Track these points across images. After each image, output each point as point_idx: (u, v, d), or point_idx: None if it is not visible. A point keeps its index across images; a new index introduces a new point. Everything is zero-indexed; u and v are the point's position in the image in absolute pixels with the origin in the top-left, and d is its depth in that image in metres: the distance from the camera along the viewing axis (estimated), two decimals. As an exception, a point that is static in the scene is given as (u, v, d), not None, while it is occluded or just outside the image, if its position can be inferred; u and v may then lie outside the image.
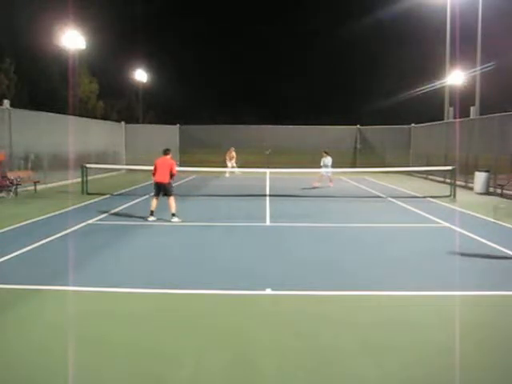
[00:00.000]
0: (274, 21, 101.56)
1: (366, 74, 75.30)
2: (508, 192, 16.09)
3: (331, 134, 29.75)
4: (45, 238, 8.70)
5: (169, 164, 10.64)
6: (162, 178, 10.56)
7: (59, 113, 21.69)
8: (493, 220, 9.11)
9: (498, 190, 16.64)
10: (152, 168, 10.89)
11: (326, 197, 16.02)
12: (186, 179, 21.68)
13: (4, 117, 16.29)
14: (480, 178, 17.12)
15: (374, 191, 17.85)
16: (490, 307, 5.58)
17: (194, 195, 16.28)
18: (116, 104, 48.10)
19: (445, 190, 17.08)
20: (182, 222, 10.53)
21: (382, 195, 16.48)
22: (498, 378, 3.95)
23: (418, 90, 42.71)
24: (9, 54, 33.96)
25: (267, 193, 16.88)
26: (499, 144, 17.47)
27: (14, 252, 7.64)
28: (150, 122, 41.35)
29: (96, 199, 14.56)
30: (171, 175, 10.63)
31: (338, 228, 10.48)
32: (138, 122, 39.12)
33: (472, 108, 23.56)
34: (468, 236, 9.32)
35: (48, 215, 11.40)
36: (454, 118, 24.90)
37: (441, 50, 27.87)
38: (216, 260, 7.49)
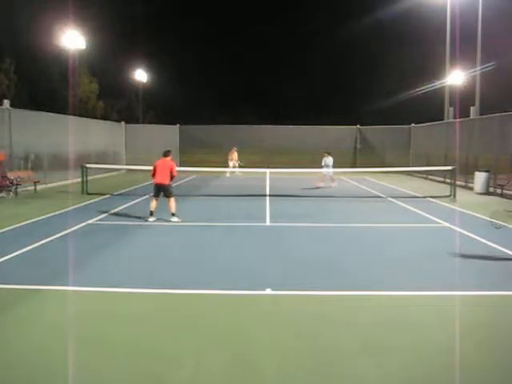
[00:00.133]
0: (274, 21, 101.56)
1: (366, 73, 75.33)
2: (508, 192, 16.09)
3: (331, 134, 29.75)
4: (45, 238, 8.70)
5: (169, 165, 10.62)
6: (162, 179, 10.54)
7: (59, 113, 21.69)
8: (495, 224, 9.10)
9: (498, 190, 16.64)
10: (151, 168, 10.87)
11: (325, 197, 16.02)
12: (186, 179, 21.67)
13: (4, 117, 16.29)
14: (480, 177, 17.12)
15: (374, 191, 17.85)
16: (490, 307, 5.58)
17: (194, 195, 16.27)
18: (116, 104, 48.09)
19: (445, 189, 17.08)
20: (182, 221, 10.53)
21: (381, 195, 16.48)
22: (498, 378, 3.95)
23: (417, 90, 42.72)
24: (9, 53, 33.96)
25: (267, 193, 16.88)
26: (499, 144, 17.47)
27: (14, 252, 7.64)
28: (150, 122, 41.35)
29: (96, 199, 14.56)
30: (171, 177, 10.62)
31: (338, 228, 10.48)
32: (138, 122, 39.12)
33: (472, 108, 23.56)
34: (468, 236, 9.32)
35: (48, 215, 11.40)
36: (454, 118, 24.90)
37: (441, 49, 27.87)
38: (216, 260, 7.49)
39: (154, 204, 10.66)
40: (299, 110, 65.39)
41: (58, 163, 19.87)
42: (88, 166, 16.72)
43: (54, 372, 3.93)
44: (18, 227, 9.93)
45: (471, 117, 22.48)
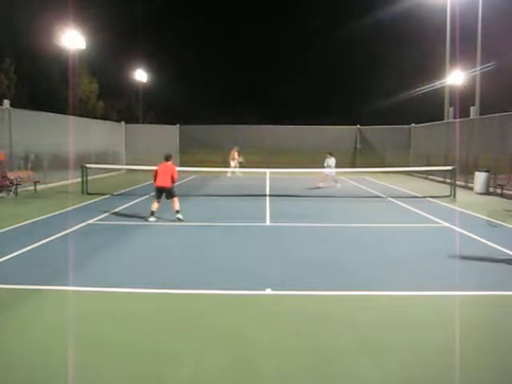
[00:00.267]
0: (274, 21, 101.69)
1: (366, 73, 75.44)
2: (508, 192, 16.09)
3: (331, 134, 29.75)
4: (45, 238, 8.70)
5: (170, 169, 10.67)
6: (164, 182, 10.58)
7: (59, 113, 21.69)
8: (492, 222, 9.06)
9: (498, 190, 16.64)
10: (151, 168, 10.89)
11: (325, 197, 16.01)
12: (186, 179, 21.65)
13: (4, 117, 16.29)
14: (480, 177, 17.12)
15: (374, 191, 17.85)
16: (490, 307, 5.58)
17: (194, 195, 16.27)
18: (116, 104, 48.11)
19: (445, 189, 17.08)
20: (181, 222, 10.53)
21: (381, 195, 16.48)
22: (498, 378, 3.95)
23: (418, 90, 42.75)
24: (9, 53, 33.97)
25: (267, 193, 16.88)
26: (499, 144, 17.47)
27: (14, 252, 7.64)
28: (150, 122, 41.36)
29: (96, 199, 14.56)
30: (172, 180, 10.67)
31: (338, 228, 10.48)
32: (138, 122, 39.13)
33: (472, 108, 23.57)
34: (468, 236, 9.32)
35: (48, 215, 11.40)
36: (454, 118, 24.90)
37: (441, 49, 27.88)
38: (216, 260, 7.49)
39: (155, 205, 10.69)
40: (299, 109, 65.52)
41: (58, 163, 19.87)
42: (88, 166, 16.72)
43: (54, 372, 3.93)
44: (17, 227, 9.93)
45: (471, 117, 22.48)
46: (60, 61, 33.43)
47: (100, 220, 10.89)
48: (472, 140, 19.78)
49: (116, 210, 12.39)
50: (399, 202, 14.47)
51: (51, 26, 30.78)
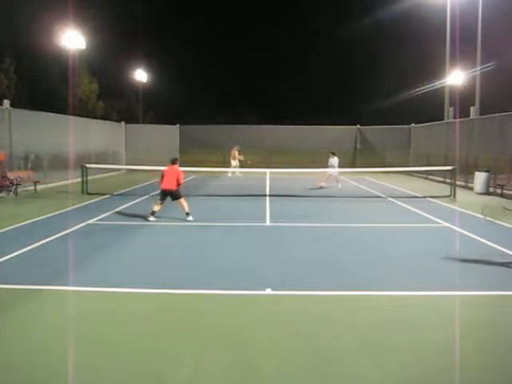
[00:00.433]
0: (274, 21, 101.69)
1: (366, 73, 75.44)
2: (508, 192, 16.09)
3: (331, 134, 29.75)
4: (45, 238, 8.70)
5: (176, 172, 10.72)
6: (169, 185, 10.61)
7: (59, 113, 21.68)
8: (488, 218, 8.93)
9: (498, 190, 16.64)
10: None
11: (325, 197, 16.02)
12: (186, 179, 21.56)
13: (4, 117, 16.29)
14: (480, 178, 17.12)
15: (374, 191, 17.85)
16: (490, 307, 5.58)
17: (194, 195, 16.26)
18: (116, 104, 48.09)
19: (445, 189, 17.07)
20: (186, 222, 10.54)
21: (382, 195, 16.48)
22: (498, 378, 3.95)
23: (418, 90, 42.75)
24: (9, 53, 33.96)
25: (267, 193, 16.88)
26: (499, 144, 17.47)
27: (14, 252, 7.64)
28: (150, 122, 41.35)
29: (96, 199, 14.56)
30: (178, 184, 10.69)
31: (338, 228, 10.48)
32: (138, 122, 39.11)
33: (472, 108, 23.57)
34: (468, 236, 9.32)
35: (48, 215, 11.40)
36: (454, 118, 24.90)
37: (441, 49, 27.88)
38: (216, 260, 7.49)
39: (157, 207, 10.70)
40: (299, 109, 65.53)
41: (58, 163, 19.86)
42: (88, 166, 16.71)
43: (54, 372, 3.93)
44: (17, 227, 9.93)
45: (471, 117, 22.48)
46: (60, 61, 33.42)
47: (100, 220, 10.89)
48: (472, 140, 19.78)
49: (116, 209, 12.39)
50: (399, 202, 14.47)
51: (51, 26, 30.78)
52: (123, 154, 29.01)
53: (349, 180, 22.25)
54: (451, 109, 26.19)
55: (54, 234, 9.06)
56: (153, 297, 5.80)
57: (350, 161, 29.62)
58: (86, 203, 13.65)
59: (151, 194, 15.89)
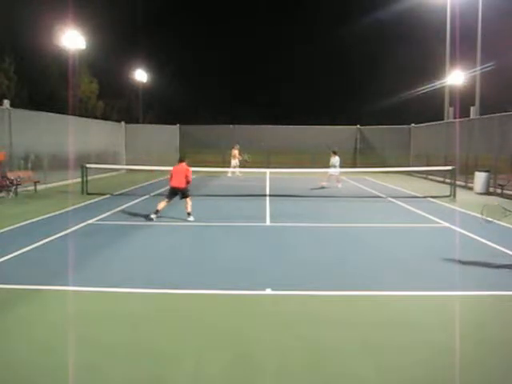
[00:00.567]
0: (275, 21, 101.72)
1: (366, 73, 75.45)
2: (508, 192, 16.09)
3: (331, 134, 29.74)
4: (45, 238, 8.70)
5: (184, 170, 10.75)
6: (178, 183, 10.66)
7: (59, 113, 21.67)
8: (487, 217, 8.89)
9: (498, 190, 16.63)
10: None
11: (326, 197, 16.02)
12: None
13: (4, 117, 16.28)
14: (480, 178, 17.12)
15: (374, 191, 17.85)
16: (490, 307, 5.58)
17: (194, 195, 16.20)
18: (116, 104, 48.08)
19: (445, 189, 17.07)
20: (181, 221, 10.54)
21: (382, 195, 16.48)
22: (498, 378, 3.95)
23: (418, 89, 42.80)
24: (9, 54, 33.95)
25: (267, 193, 16.88)
26: (499, 144, 17.47)
27: (14, 252, 7.64)
28: (150, 122, 41.28)
29: (96, 199, 14.56)
30: (187, 181, 10.73)
31: (338, 228, 10.48)
32: (138, 122, 39.08)
33: (472, 108, 23.58)
34: (468, 236, 9.32)
35: (48, 215, 11.40)
36: (454, 118, 24.91)
37: (441, 50, 27.89)
38: (216, 260, 7.49)
39: (162, 205, 10.72)
40: (299, 109, 65.54)
41: (58, 163, 19.85)
42: (88, 165, 16.71)
43: (54, 372, 3.93)
44: (17, 227, 9.93)
45: (471, 117, 22.49)
46: (60, 61, 33.42)
47: (100, 220, 10.89)
48: (472, 140, 19.77)
49: (116, 209, 12.39)
50: (399, 202, 14.47)
51: (51, 26, 30.79)
52: (123, 154, 28.99)
53: (349, 180, 22.25)
54: (451, 109, 26.21)
55: (54, 234, 9.06)
56: (153, 297, 5.80)
57: (350, 161, 29.61)
58: (86, 203, 13.65)
59: (151, 194, 15.90)
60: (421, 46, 51.88)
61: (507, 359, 4.27)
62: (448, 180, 18.49)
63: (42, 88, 36.94)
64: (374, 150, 30.88)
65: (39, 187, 16.78)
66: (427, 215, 11.90)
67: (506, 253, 7.91)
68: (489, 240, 8.77)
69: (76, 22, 28.09)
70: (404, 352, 4.34)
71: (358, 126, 31.28)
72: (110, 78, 43.65)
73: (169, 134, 30.20)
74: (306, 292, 5.93)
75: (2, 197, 14.64)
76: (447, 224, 10.62)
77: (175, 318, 5.10)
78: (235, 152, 24.80)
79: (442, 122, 25.50)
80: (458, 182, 16.96)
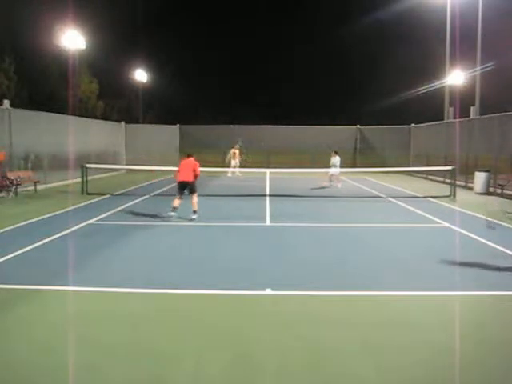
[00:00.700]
0: (275, 21, 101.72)
1: (366, 73, 75.46)
2: (508, 192, 16.09)
3: (331, 134, 29.75)
4: (45, 238, 8.70)
5: (192, 164, 10.83)
6: (186, 177, 10.73)
7: (59, 113, 21.67)
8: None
9: (498, 190, 16.63)
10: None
11: (326, 197, 16.02)
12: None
13: (4, 117, 16.28)
14: (480, 178, 17.12)
15: (374, 191, 17.85)
16: (490, 307, 5.58)
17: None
18: (116, 104, 48.07)
19: (445, 189, 17.07)
20: (187, 221, 10.55)
21: (382, 195, 16.48)
22: (498, 378, 3.95)
23: (418, 90, 42.79)
24: (9, 54, 33.95)
25: (267, 193, 16.88)
26: (499, 144, 17.47)
27: (14, 252, 7.64)
28: (150, 122, 41.27)
29: (96, 199, 14.56)
30: (195, 175, 10.78)
31: (338, 228, 10.48)
32: (138, 122, 39.07)
33: (472, 108, 23.58)
34: (468, 236, 9.32)
35: (48, 215, 11.40)
36: (454, 118, 24.91)
37: (441, 49, 27.89)
38: (216, 260, 7.49)
39: (177, 202, 10.77)
40: (299, 110, 65.54)
41: (58, 163, 19.85)
42: (88, 165, 16.71)
43: (54, 372, 3.93)
44: (17, 227, 9.93)
45: (471, 117, 22.48)
46: (60, 61, 33.41)
47: (100, 220, 10.89)
48: (472, 140, 19.77)
49: (116, 209, 12.39)
50: (399, 202, 14.47)
51: (51, 26, 30.79)
52: (123, 154, 29.00)
53: (349, 180, 22.25)
54: (451, 109, 26.20)
55: (54, 234, 9.06)
56: (153, 297, 5.80)
57: (350, 161, 29.60)
58: (86, 203, 13.65)
59: (151, 195, 15.90)
60: (421, 46, 51.90)
61: (507, 359, 4.27)
62: (448, 180, 18.49)
63: (42, 88, 36.94)
64: (373, 149, 30.88)
65: (39, 187, 16.78)
66: (427, 215, 11.90)
67: (506, 253, 7.91)
68: (489, 240, 8.76)
69: (76, 22, 28.11)
70: (404, 352, 4.34)
71: (358, 126, 31.28)
72: (110, 78, 43.65)
73: (169, 134, 30.20)
74: (306, 292, 5.93)
75: (2, 197, 14.64)
76: (447, 224, 10.62)
77: (175, 318, 5.10)
78: (235, 152, 24.78)
79: (441, 122, 25.50)
80: (458, 182, 16.96)
